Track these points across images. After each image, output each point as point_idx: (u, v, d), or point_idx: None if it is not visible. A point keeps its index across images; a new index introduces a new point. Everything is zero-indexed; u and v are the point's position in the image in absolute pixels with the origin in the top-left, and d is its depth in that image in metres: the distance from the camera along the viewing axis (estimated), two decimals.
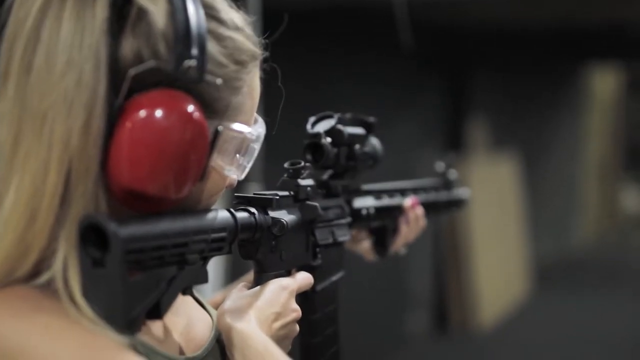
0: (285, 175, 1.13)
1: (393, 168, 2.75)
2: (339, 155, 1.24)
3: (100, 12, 0.83)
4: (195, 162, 0.87)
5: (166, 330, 0.99)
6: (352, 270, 1.26)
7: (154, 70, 0.84)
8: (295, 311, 1.06)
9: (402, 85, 5.47)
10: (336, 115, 1.26)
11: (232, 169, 0.96)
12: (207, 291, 2.39)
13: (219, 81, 0.89)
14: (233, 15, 0.94)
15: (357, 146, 1.28)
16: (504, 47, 6.65)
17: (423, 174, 1.67)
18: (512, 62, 7.19)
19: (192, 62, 0.84)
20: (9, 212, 0.83)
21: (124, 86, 0.83)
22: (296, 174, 1.12)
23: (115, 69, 0.84)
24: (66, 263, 0.83)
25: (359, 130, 1.30)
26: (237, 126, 0.94)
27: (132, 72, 0.83)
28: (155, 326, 0.97)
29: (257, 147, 1.00)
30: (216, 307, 1.08)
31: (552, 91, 8.26)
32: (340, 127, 1.24)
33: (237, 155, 0.96)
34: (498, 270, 6.32)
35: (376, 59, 5.03)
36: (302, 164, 1.13)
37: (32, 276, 0.85)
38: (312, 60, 4.30)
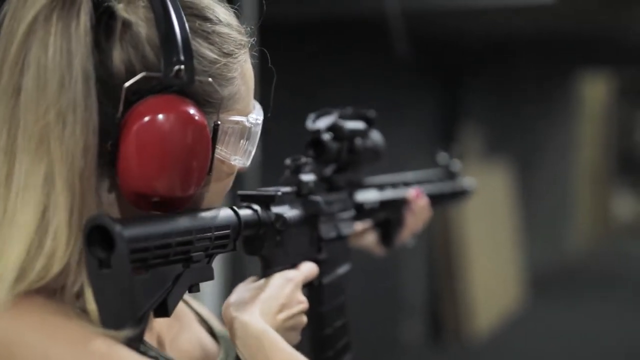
0: (287, 170, 1.14)
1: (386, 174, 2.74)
2: (341, 149, 1.26)
3: (85, 30, 0.85)
4: (200, 159, 0.90)
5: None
6: (350, 261, 1.27)
7: (146, 79, 0.87)
8: (302, 302, 1.07)
9: (396, 93, 5.46)
10: (336, 111, 1.28)
11: (237, 157, 0.98)
12: (207, 292, 2.38)
13: (209, 80, 0.92)
14: (216, 9, 0.97)
15: (358, 140, 1.29)
16: (495, 55, 6.66)
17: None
18: (504, 70, 7.20)
19: (181, 67, 0.87)
20: (22, 228, 0.84)
21: (121, 99, 0.86)
22: (298, 169, 1.14)
23: (110, 83, 0.87)
24: (80, 271, 0.85)
25: (359, 125, 1.31)
26: (235, 117, 0.97)
27: (126, 85, 0.86)
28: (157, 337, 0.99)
29: (258, 131, 1.01)
30: None
31: (544, 98, 8.28)
32: (340, 122, 1.26)
33: (241, 142, 0.98)
34: (492, 278, 6.31)
35: (371, 67, 5.03)
36: (303, 159, 1.15)
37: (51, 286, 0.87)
38: (308, 70, 4.31)
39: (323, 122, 1.26)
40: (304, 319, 1.08)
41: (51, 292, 0.86)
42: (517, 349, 5.77)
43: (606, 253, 9.26)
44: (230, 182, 1.01)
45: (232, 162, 0.98)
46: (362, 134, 1.31)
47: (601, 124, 10.22)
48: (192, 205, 0.94)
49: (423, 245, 5.68)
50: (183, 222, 0.89)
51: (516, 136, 7.56)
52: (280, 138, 2.51)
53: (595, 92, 9.90)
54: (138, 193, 0.87)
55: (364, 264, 1.97)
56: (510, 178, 7.00)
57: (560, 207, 8.99)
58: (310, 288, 1.14)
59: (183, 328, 1.08)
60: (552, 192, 8.66)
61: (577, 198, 9.51)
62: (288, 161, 1.15)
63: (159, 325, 1.03)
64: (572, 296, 7.21)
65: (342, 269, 1.23)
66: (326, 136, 1.24)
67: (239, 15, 1.01)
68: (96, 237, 0.81)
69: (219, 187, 0.99)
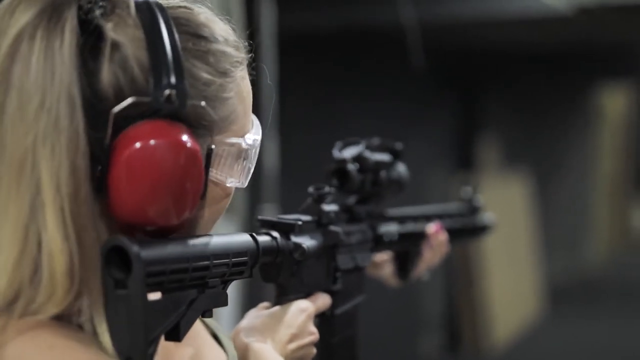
0: (310, 199, 1.13)
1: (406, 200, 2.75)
2: (365, 181, 1.25)
3: (70, 49, 0.82)
4: (193, 184, 0.86)
5: None
6: (365, 292, 1.26)
7: (135, 104, 0.83)
8: (313, 334, 1.07)
9: (413, 105, 5.47)
10: (363, 142, 1.27)
11: (233, 180, 0.95)
12: (223, 315, 2.38)
13: (202, 103, 0.88)
14: (212, 26, 0.92)
15: (382, 172, 1.29)
16: (515, 67, 6.65)
17: (433, 193, 1.67)
18: (523, 82, 7.19)
19: (172, 91, 0.83)
20: (9, 258, 0.82)
21: (108, 125, 0.82)
22: (320, 198, 1.13)
23: (97, 106, 0.83)
24: (90, 294, 0.83)
25: (385, 157, 1.31)
26: (230, 139, 0.93)
27: (115, 110, 0.82)
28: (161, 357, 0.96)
29: (256, 150, 0.98)
30: None
31: (563, 110, 8.26)
32: (366, 153, 1.25)
33: (237, 162, 0.94)
34: (510, 290, 6.29)
35: (388, 79, 5.04)
36: (327, 189, 1.13)
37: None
38: (326, 82, 4.32)
39: (349, 152, 1.25)
40: (314, 350, 1.07)
41: (67, 318, 0.85)
42: None
43: (625, 265, 9.21)
44: (226, 203, 0.96)
45: (228, 185, 0.94)
46: (387, 166, 1.31)
47: (620, 136, 10.18)
48: (186, 231, 0.90)
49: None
50: (201, 247, 0.88)
51: (534, 148, 7.54)
52: (298, 146, 2.51)
53: (614, 103, 9.87)
54: (129, 220, 0.84)
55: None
56: (529, 190, 6.98)
57: (579, 219, 8.95)
58: (321, 318, 1.13)
59: (193, 344, 1.05)
60: (570, 204, 8.63)
61: (595, 209, 9.46)
62: (311, 189, 1.14)
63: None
64: (590, 308, 7.17)
65: (355, 301, 1.22)
66: (351, 167, 1.23)
67: (235, 29, 0.96)
68: (114, 258, 0.80)
69: (214, 210, 0.95)
